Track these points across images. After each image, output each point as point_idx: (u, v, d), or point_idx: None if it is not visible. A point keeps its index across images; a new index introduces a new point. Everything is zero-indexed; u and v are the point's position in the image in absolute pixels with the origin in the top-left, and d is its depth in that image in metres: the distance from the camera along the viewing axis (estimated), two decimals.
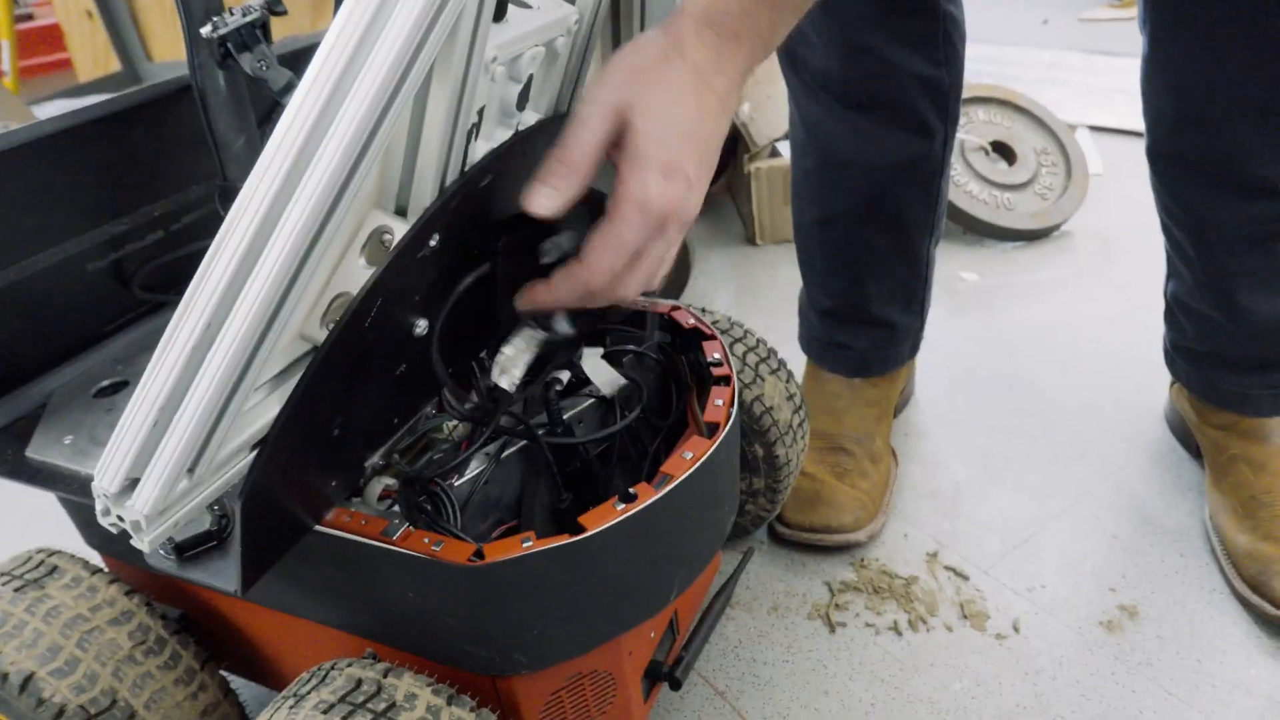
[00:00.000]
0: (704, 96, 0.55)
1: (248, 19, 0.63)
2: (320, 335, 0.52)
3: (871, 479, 1.03)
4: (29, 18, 2.68)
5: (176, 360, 0.41)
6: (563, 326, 0.63)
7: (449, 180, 0.54)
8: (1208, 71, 0.81)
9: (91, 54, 2.22)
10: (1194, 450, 1.08)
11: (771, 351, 0.89)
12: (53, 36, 2.49)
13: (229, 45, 0.63)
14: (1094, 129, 2.04)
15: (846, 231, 1.02)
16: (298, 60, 0.78)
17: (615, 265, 0.55)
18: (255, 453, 0.48)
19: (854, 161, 0.97)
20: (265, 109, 0.76)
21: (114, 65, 2.17)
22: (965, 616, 0.92)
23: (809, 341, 1.13)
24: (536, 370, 0.67)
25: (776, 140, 1.66)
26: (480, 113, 0.55)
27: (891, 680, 0.86)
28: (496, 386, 0.64)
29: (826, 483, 1.01)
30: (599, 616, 0.61)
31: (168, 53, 2.13)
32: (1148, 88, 0.88)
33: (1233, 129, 0.82)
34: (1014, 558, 0.98)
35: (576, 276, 0.56)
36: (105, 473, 0.42)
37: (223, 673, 0.74)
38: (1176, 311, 1.01)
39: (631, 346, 0.75)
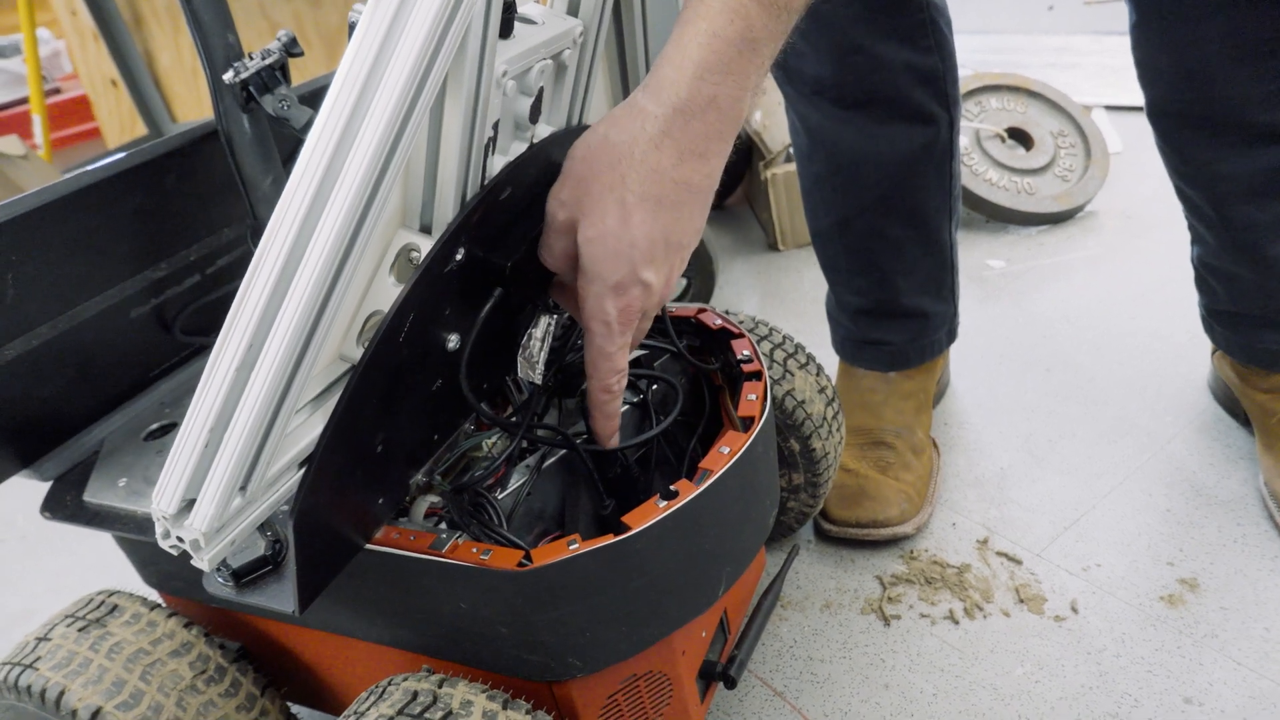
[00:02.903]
0: (664, 197, 0.54)
1: (267, 62, 0.66)
2: (358, 354, 0.53)
3: (915, 471, 1.03)
4: (57, 91, 2.78)
5: (223, 382, 0.43)
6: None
7: (470, 195, 0.56)
8: (1200, 22, 0.80)
9: (118, 121, 2.30)
10: (1242, 418, 1.06)
11: (799, 347, 0.89)
12: (80, 107, 2.59)
13: (251, 89, 0.66)
14: (1110, 108, 2.02)
15: (867, 230, 1.02)
16: (317, 99, 0.81)
17: (615, 366, 0.60)
18: (303, 470, 0.50)
19: (863, 161, 0.98)
20: (290, 148, 0.79)
21: (140, 130, 2.24)
22: (1021, 601, 0.90)
23: (843, 344, 1.13)
24: (557, 354, 0.71)
25: (790, 145, 1.67)
26: (495, 127, 0.57)
27: (951, 669, 0.85)
28: (531, 385, 0.66)
29: (870, 478, 1.01)
30: (649, 616, 0.61)
31: (191, 113, 2.20)
32: (1141, 51, 0.88)
33: (1232, 77, 0.81)
34: (1066, 539, 0.97)
35: (594, 392, 0.62)
36: (163, 496, 0.44)
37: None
38: (1206, 276, 1.00)
39: (663, 345, 0.76)
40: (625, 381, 0.63)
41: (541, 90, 0.60)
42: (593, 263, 0.56)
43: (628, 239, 0.54)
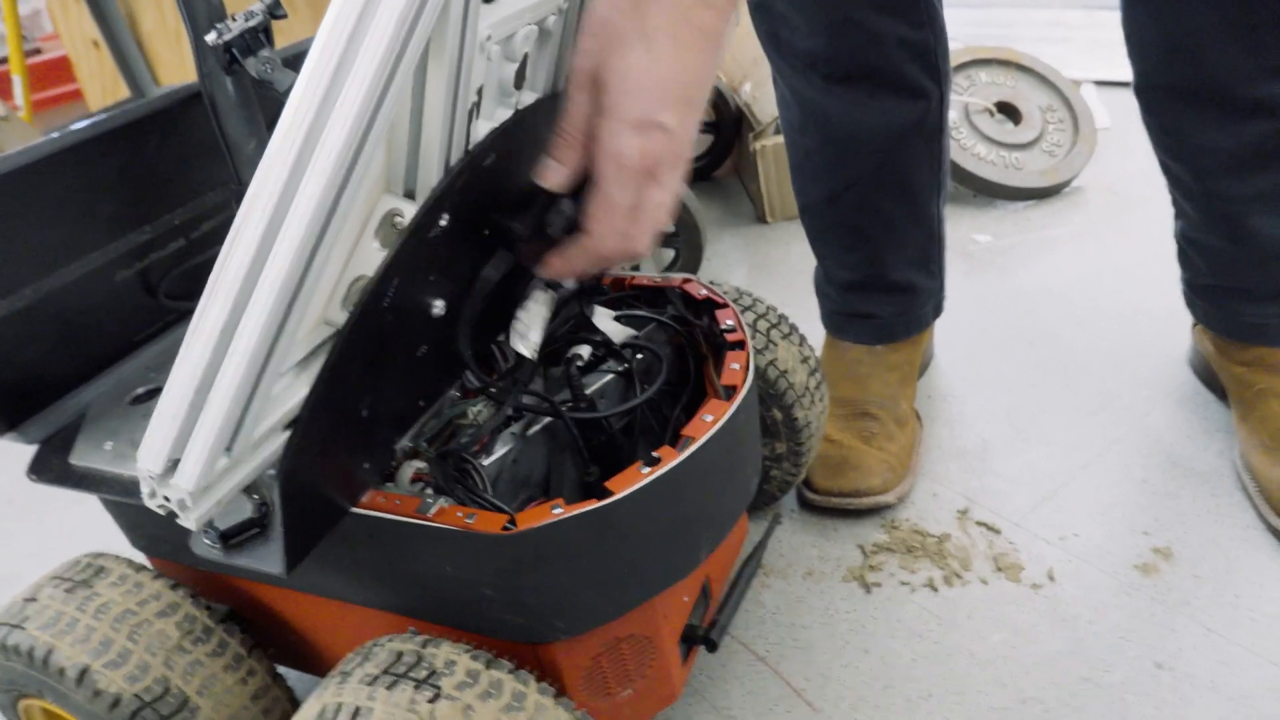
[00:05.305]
0: (682, 37, 0.54)
1: (250, 24, 0.65)
2: (342, 318, 0.53)
3: (898, 442, 1.04)
4: (37, 52, 2.73)
5: (206, 342, 0.43)
6: (569, 281, 0.67)
7: (454, 160, 0.56)
8: None
9: (100, 83, 2.26)
10: (1219, 392, 1.08)
11: (782, 317, 0.90)
12: (62, 68, 2.54)
13: (234, 50, 0.65)
14: (1099, 83, 2.02)
15: (857, 204, 1.02)
16: (301, 62, 0.80)
17: (618, 225, 0.57)
18: (289, 432, 0.50)
19: (854, 134, 0.98)
20: (274, 111, 0.78)
21: (123, 92, 2.21)
22: (999, 569, 0.92)
23: (830, 317, 1.14)
24: (548, 327, 0.70)
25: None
26: (479, 92, 0.56)
27: (930, 635, 0.86)
28: (519, 354, 0.66)
29: (853, 448, 1.02)
30: (632, 580, 0.62)
31: (174, 76, 2.16)
32: (1131, 25, 0.88)
33: (1220, 51, 0.81)
34: (1045, 509, 0.98)
35: (587, 247, 0.60)
36: (148, 455, 0.44)
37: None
38: (1187, 249, 1.01)
39: (648, 314, 0.76)
40: (625, 256, 0.59)
41: (526, 56, 0.60)
42: (616, 99, 0.54)
43: (654, 75, 0.54)
